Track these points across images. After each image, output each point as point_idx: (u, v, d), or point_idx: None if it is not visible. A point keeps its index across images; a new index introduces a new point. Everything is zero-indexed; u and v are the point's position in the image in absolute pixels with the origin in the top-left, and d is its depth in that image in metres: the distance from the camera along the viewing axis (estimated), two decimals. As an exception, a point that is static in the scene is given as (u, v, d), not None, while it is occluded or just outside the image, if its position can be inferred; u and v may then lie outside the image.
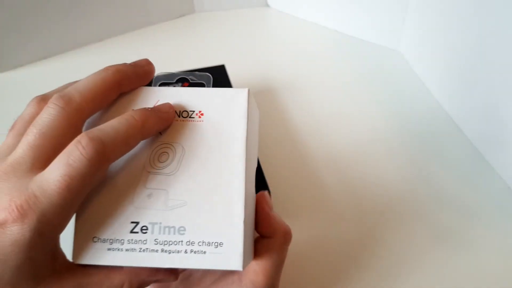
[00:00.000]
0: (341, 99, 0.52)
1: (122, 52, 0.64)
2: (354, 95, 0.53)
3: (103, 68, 0.22)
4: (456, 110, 0.48)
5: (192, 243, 0.20)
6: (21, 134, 0.20)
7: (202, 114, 0.22)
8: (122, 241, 0.21)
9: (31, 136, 0.19)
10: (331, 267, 0.34)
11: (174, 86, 0.24)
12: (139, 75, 0.23)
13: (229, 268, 0.20)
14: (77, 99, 0.20)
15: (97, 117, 0.22)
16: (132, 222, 0.21)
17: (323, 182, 0.42)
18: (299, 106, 0.51)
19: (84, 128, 0.21)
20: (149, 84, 0.24)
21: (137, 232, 0.21)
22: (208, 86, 0.27)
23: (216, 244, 0.20)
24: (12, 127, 0.21)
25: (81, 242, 0.21)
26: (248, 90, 0.22)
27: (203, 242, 0.20)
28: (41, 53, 0.62)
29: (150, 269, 0.21)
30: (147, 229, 0.21)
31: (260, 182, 0.36)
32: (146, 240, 0.20)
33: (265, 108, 0.51)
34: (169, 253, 0.20)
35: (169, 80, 0.29)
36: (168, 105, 0.22)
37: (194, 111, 0.22)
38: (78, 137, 0.19)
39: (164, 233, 0.20)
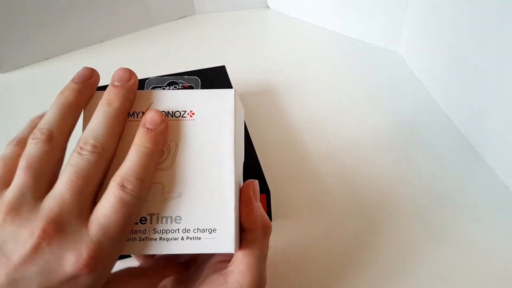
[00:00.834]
0: (340, 100, 0.53)
1: (123, 53, 0.64)
2: (353, 95, 0.53)
3: (58, 95, 0.23)
4: (454, 110, 0.48)
5: (188, 231, 0.22)
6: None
7: (193, 114, 0.24)
8: None
9: (67, 177, 0.20)
10: (329, 266, 0.35)
11: (165, 89, 0.25)
12: (90, 88, 0.24)
13: (222, 251, 0.22)
14: (55, 133, 0.21)
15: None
16: None
17: (322, 182, 0.42)
18: (299, 107, 0.52)
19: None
20: (142, 88, 0.25)
21: (136, 223, 0.22)
22: (196, 88, 0.28)
23: (210, 230, 0.22)
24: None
25: None
26: (235, 90, 0.24)
27: (198, 229, 0.22)
28: (42, 54, 0.63)
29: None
30: (145, 220, 0.22)
31: (260, 182, 0.36)
32: (145, 230, 0.22)
33: (265, 109, 0.51)
34: (167, 240, 0.22)
35: (160, 84, 0.30)
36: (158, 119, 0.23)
37: (185, 111, 0.24)
38: (118, 179, 0.20)
39: (161, 222, 0.22)
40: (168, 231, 0.22)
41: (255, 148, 0.40)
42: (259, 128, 0.48)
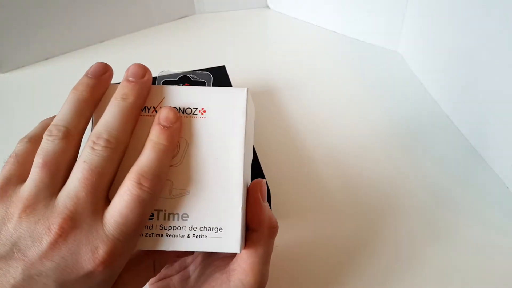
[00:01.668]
0: (340, 100, 0.53)
1: (123, 53, 0.64)
2: (353, 95, 0.53)
3: (72, 91, 0.23)
4: (454, 110, 0.48)
5: (195, 229, 0.22)
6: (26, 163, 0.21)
7: (204, 111, 0.23)
8: None
9: (81, 174, 0.20)
10: (329, 265, 0.35)
11: (177, 85, 0.25)
12: (105, 83, 0.24)
13: (228, 251, 0.22)
14: (72, 130, 0.21)
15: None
16: None
17: (322, 181, 0.42)
18: (299, 107, 0.52)
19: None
20: (153, 82, 0.25)
21: None
22: (208, 85, 0.28)
23: (216, 229, 0.22)
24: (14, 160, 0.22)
25: None
26: (247, 90, 0.24)
27: (204, 228, 0.22)
28: (42, 54, 0.63)
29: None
30: (152, 216, 0.22)
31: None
32: (152, 226, 0.22)
33: (265, 109, 0.51)
34: (173, 237, 0.22)
35: (171, 79, 0.29)
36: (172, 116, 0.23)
37: (197, 108, 0.23)
38: (134, 177, 0.20)
39: (168, 219, 0.22)
40: (174, 228, 0.22)
41: (255, 148, 0.40)
42: (259, 128, 0.48)
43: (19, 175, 0.21)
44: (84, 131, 0.22)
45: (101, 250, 0.19)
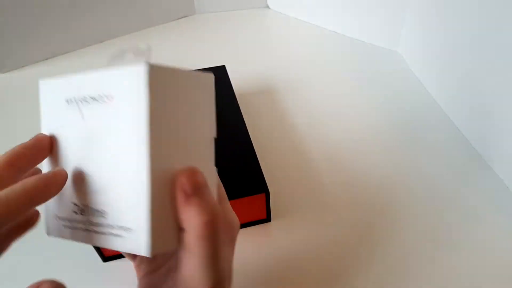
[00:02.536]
0: (340, 100, 0.53)
1: (123, 53, 0.64)
2: (353, 95, 0.53)
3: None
4: (454, 110, 0.48)
5: (112, 227, 0.21)
6: None
7: (109, 98, 0.21)
8: (67, 220, 0.23)
9: None
10: (328, 265, 0.35)
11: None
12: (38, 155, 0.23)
13: (138, 253, 0.20)
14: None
15: None
16: (74, 204, 0.23)
17: (322, 181, 0.42)
18: (299, 106, 0.52)
19: None
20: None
21: (76, 213, 0.23)
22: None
23: (127, 229, 0.21)
24: None
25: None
26: (150, 67, 0.19)
27: (119, 227, 0.21)
28: (42, 54, 0.63)
29: None
30: (83, 211, 0.22)
31: (259, 182, 0.36)
32: (78, 220, 0.23)
33: (265, 109, 0.51)
34: (96, 233, 0.22)
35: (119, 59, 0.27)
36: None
37: (103, 95, 0.21)
38: None
39: (94, 215, 0.22)
40: (98, 225, 0.22)
41: (255, 148, 0.40)
42: (259, 128, 0.48)
43: None
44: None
45: None
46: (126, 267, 0.31)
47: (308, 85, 0.55)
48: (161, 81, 0.20)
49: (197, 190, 0.21)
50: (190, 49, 0.64)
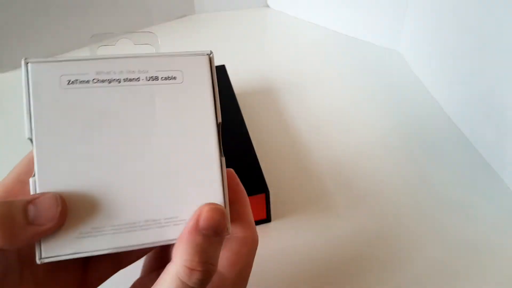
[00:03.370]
0: (340, 99, 0.53)
1: (123, 53, 0.64)
2: (353, 95, 0.53)
3: None
4: (455, 110, 0.48)
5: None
6: None
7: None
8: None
9: None
10: (329, 266, 0.35)
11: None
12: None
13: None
14: None
15: None
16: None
17: (322, 181, 0.42)
18: (299, 106, 0.51)
19: None
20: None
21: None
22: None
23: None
24: None
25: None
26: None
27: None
28: (42, 53, 0.63)
29: None
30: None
31: (259, 182, 0.36)
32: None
33: (264, 108, 0.51)
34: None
35: (109, 44, 0.26)
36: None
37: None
38: None
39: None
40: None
41: (255, 148, 0.40)
42: (259, 128, 0.48)
43: None
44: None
45: None
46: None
47: (309, 84, 0.55)
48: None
49: (216, 234, 0.19)
50: (190, 49, 0.64)
